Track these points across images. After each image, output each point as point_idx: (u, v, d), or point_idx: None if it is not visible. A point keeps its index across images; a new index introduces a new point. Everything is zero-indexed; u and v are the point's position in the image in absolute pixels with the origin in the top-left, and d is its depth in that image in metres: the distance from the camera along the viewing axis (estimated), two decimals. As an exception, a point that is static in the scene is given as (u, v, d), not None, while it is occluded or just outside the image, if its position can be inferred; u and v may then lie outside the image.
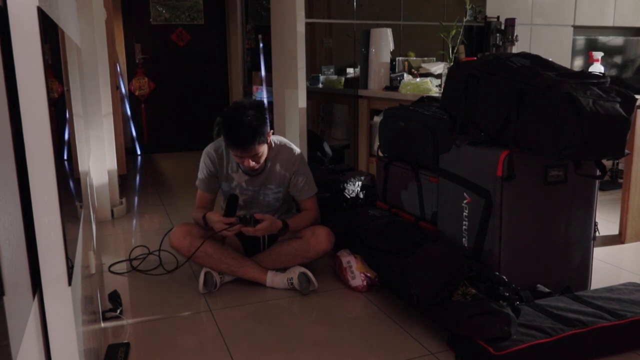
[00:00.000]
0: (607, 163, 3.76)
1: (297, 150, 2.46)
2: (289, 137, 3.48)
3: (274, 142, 2.41)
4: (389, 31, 3.59)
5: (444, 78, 3.16)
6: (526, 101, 1.88)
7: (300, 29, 3.39)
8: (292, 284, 2.27)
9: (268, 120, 2.25)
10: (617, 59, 5.01)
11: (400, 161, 2.63)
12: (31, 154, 0.73)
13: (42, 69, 0.75)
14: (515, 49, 3.94)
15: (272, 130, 2.33)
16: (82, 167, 1.80)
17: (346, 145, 4.26)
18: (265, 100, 5.12)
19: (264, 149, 2.26)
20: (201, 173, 2.44)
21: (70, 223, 1.06)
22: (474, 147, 2.07)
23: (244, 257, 2.36)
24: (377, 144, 2.95)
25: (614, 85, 1.89)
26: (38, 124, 0.75)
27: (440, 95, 2.49)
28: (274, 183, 2.41)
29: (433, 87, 3.17)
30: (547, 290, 1.97)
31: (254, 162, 2.24)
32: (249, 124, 2.16)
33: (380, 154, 2.81)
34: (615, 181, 3.98)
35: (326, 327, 2.02)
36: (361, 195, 3.03)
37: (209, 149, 2.43)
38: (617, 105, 1.80)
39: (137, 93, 5.95)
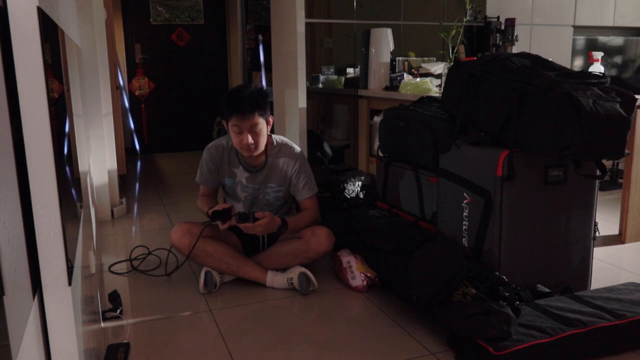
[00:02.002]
0: (607, 163, 3.77)
1: (298, 149, 2.48)
2: (289, 137, 3.47)
3: (276, 140, 2.44)
4: (389, 31, 3.59)
5: (444, 78, 3.17)
6: (526, 101, 1.88)
7: (300, 29, 3.39)
8: (292, 284, 2.27)
9: (269, 107, 2.33)
10: (617, 59, 5.01)
11: (400, 161, 2.63)
12: (31, 154, 0.73)
13: (42, 69, 0.75)
14: (515, 49, 3.94)
15: (272, 116, 2.38)
16: (82, 167, 1.80)
17: (346, 145, 4.25)
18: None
19: (263, 126, 2.29)
20: (201, 169, 2.50)
21: (70, 223, 1.06)
22: (474, 147, 2.07)
23: (244, 257, 2.36)
24: (377, 144, 2.95)
25: (614, 85, 1.89)
26: (38, 124, 0.75)
27: (440, 95, 2.49)
28: (275, 181, 2.41)
29: (433, 87, 3.17)
30: (547, 290, 1.97)
31: (252, 140, 2.25)
32: (250, 94, 2.27)
33: (380, 154, 2.81)
34: (615, 181, 3.98)
35: (326, 327, 2.02)
36: (361, 195, 3.03)
37: (210, 146, 2.48)
38: (617, 105, 1.80)
39: (137, 93, 5.95)
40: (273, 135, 2.46)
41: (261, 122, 2.27)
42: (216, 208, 2.26)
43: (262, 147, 2.33)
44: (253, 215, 2.23)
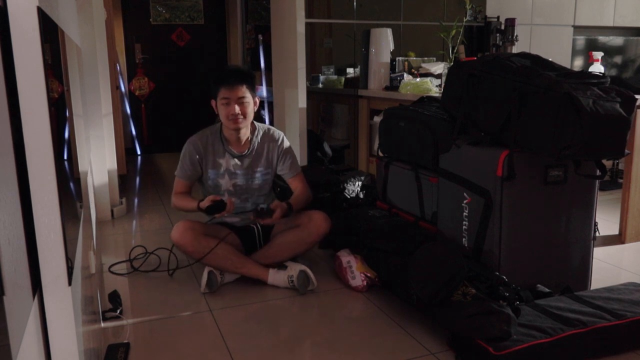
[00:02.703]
0: (607, 163, 3.76)
1: (280, 131, 2.58)
2: (288, 137, 3.47)
3: (258, 127, 2.53)
4: (389, 31, 3.59)
5: (444, 78, 3.17)
6: (526, 101, 1.88)
7: (300, 29, 3.40)
8: (292, 282, 2.28)
9: (255, 91, 2.44)
10: (617, 59, 5.01)
11: (400, 161, 2.63)
12: (31, 154, 0.73)
13: (42, 69, 0.75)
14: (515, 49, 3.94)
15: (258, 97, 2.47)
16: (82, 167, 1.80)
17: (346, 145, 4.25)
18: (265, 101, 5.12)
19: (250, 100, 2.38)
20: (183, 162, 2.49)
21: (70, 223, 1.06)
22: (474, 147, 2.07)
23: (245, 256, 2.38)
24: (377, 144, 2.95)
25: (614, 85, 1.88)
26: (38, 124, 0.75)
27: (440, 95, 2.49)
28: (263, 164, 2.49)
29: (433, 87, 3.17)
30: (547, 290, 1.97)
31: (239, 110, 2.33)
32: (237, 68, 2.49)
33: (380, 154, 2.81)
34: (615, 181, 3.98)
35: (326, 327, 2.02)
36: (361, 195, 3.03)
37: (194, 138, 2.49)
38: (617, 105, 1.79)
39: (137, 93, 5.95)
40: (255, 122, 2.52)
41: (248, 96, 2.37)
42: (208, 203, 2.28)
43: (249, 120, 2.40)
44: (268, 208, 2.31)
